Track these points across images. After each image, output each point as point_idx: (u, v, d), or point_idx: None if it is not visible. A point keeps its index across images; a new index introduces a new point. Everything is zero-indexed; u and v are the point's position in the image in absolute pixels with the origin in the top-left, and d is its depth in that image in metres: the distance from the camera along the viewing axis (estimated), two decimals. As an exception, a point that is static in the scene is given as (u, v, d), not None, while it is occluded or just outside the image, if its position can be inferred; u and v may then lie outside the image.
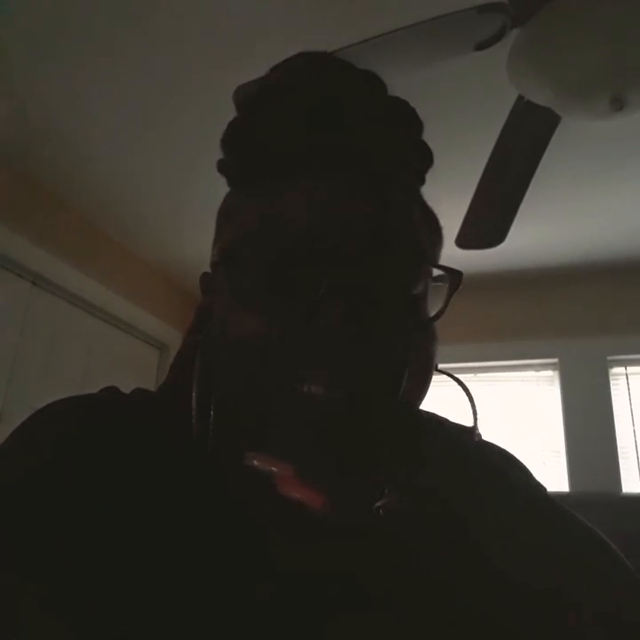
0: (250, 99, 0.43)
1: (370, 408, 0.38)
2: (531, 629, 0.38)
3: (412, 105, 0.44)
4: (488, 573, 0.38)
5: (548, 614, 0.38)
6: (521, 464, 0.50)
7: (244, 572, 0.37)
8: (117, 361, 2.47)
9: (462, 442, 0.45)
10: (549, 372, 2.68)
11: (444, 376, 0.48)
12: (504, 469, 0.47)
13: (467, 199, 1.53)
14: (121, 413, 0.44)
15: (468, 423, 0.46)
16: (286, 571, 0.37)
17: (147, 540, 0.37)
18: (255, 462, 0.37)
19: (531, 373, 2.72)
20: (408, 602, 0.37)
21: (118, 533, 0.37)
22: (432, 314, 0.42)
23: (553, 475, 2.48)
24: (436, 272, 0.41)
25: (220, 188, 0.47)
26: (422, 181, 0.46)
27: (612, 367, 2.57)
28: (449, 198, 1.75)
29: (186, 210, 2.21)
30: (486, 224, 1.57)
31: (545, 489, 0.48)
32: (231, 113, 0.45)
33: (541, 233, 2.33)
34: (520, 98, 1.21)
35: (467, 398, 0.44)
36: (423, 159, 0.44)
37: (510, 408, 2.64)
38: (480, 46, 1.09)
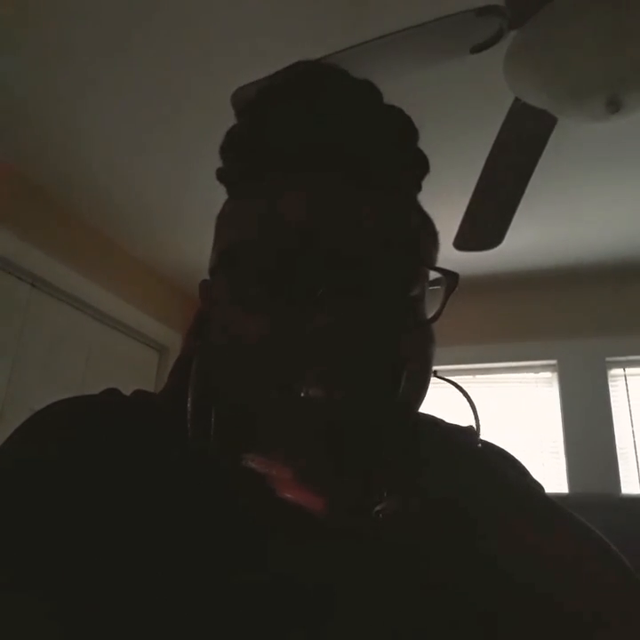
0: (248, 106, 0.44)
1: (368, 410, 0.38)
2: (530, 630, 0.38)
3: (407, 113, 0.44)
4: (486, 574, 0.39)
5: (547, 615, 0.38)
6: (519, 464, 0.51)
7: (243, 573, 0.37)
8: (117, 363, 2.47)
9: (460, 443, 0.46)
10: (548, 374, 2.68)
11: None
12: (502, 470, 0.47)
13: (465, 201, 1.54)
14: (121, 415, 0.44)
15: (466, 424, 0.46)
16: (285, 572, 0.38)
17: (145, 540, 0.37)
18: (253, 464, 0.38)
19: (530, 375, 2.72)
20: (407, 603, 0.38)
21: (117, 533, 0.37)
22: (429, 316, 0.42)
23: (552, 476, 2.48)
24: (432, 275, 0.42)
25: (220, 192, 0.48)
26: (419, 188, 0.46)
27: (610, 368, 2.57)
28: (447, 200, 1.75)
29: (186, 212, 2.22)
30: (484, 226, 1.57)
31: (543, 489, 0.49)
32: (232, 117, 0.45)
33: (539, 234, 2.33)
34: (517, 100, 1.21)
35: (467, 402, 0.45)
36: (419, 167, 0.45)
37: (509, 409, 2.64)
38: (477, 49, 1.09)
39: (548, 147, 1.34)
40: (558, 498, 0.47)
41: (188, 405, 0.40)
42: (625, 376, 2.57)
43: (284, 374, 0.37)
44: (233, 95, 1.08)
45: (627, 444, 2.45)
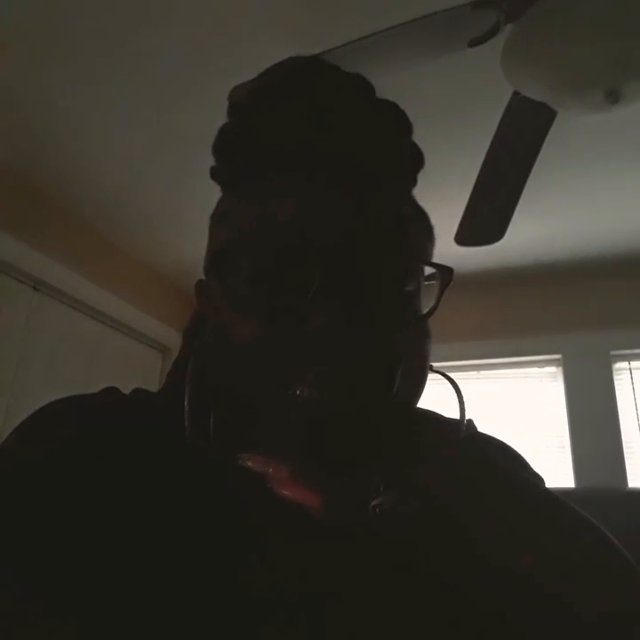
0: (239, 103, 0.44)
1: (364, 407, 0.38)
2: (531, 626, 0.37)
3: (401, 107, 0.44)
4: (487, 570, 0.38)
5: (548, 610, 0.38)
6: (520, 457, 0.50)
7: (242, 573, 0.37)
8: (120, 364, 2.47)
9: (459, 437, 0.45)
10: (553, 368, 2.68)
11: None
12: (502, 463, 0.47)
13: (465, 196, 1.53)
14: (120, 414, 0.44)
15: (465, 419, 0.46)
16: (285, 571, 0.37)
17: (144, 540, 0.37)
18: (250, 463, 0.38)
19: (534, 370, 2.71)
20: (406, 601, 0.37)
21: (115, 533, 0.37)
22: (425, 311, 0.42)
23: (558, 470, 2.47)
24: (428, 270, 0.42)
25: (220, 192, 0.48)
26: (414, 182, 0.46)
27: (615, 362, 2.56)
28: (448, 195, 1.75)
29: (186, 212, 2.22)
30: (485, 221, 1.56)
31: (543, 482, 0.48)
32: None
33: (541, 228, 2.32)
34: (516, 93, 1.20)
35: (455, 395, 0.44)
36: (414, 161, 0.45)
37: (514, 405, 2.64)
38: (474, 43, 1.08)
39: (548, 140, 1.33)
40: (564, 492, 0.46)
41: (185, 405, 0.40)
42: (630, 369, 2.56)
43: (280, 374, 0.37)
44: (230, 93, 1.08)
45: (632, 437, 2.44)
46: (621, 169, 1.96)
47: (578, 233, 2.37)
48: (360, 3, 1.34)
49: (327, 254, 0.37)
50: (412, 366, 0.40)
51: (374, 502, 0.36)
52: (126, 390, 0.48)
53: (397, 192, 0.43)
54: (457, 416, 0.46)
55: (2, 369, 1.98)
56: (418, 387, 0.42)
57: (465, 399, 0.44)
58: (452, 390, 0.45)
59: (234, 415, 0.40)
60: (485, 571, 0.38)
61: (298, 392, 0.37)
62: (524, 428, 2.56)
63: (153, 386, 0.50)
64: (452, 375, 0.45)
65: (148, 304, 2.63)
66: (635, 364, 2.56)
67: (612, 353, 2.55)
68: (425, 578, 0.38)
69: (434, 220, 0.47)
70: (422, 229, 0.44)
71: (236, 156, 0.43)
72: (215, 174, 0.46)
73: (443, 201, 1.62)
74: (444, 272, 0.41)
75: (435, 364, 0.44)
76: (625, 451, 2.40)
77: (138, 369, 2.59)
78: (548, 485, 0.48)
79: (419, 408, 0.46)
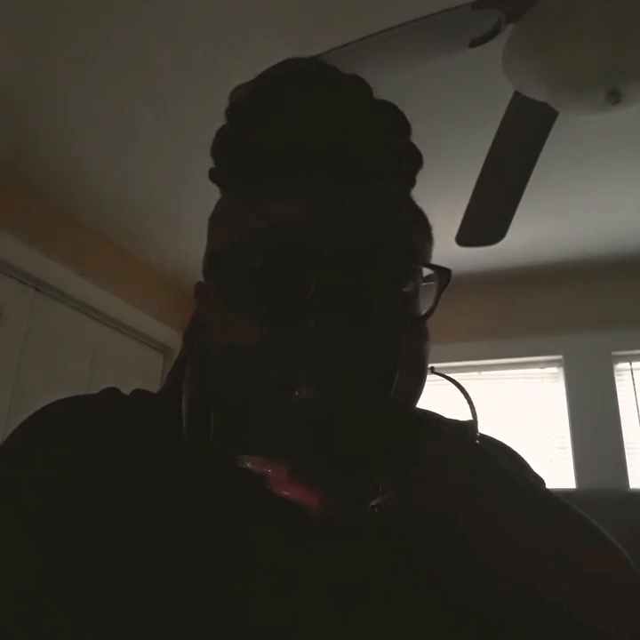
0: (237, 105, 0.44)
1: (363, 408, 0.38)
2: (530, 628, 0.37)
3: (400, 107, 0.44)
4: (486, 571, 0.38)
5: (547, 612, 0.38)
6: (520, 458, 0.50)
7: (242, 572, 0.37)
8: (122, 365, 2.47)
9: (459, 438, 0.45)
10: (554, 369, 2.67)
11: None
12: (502, 464, 0.47)
13: (466, 196, 1.53)
14: (121, 414, 0.44)
15: (466, 419, 0.46)
16: (285, 571, 0.37)
17: (144, 540, 0.37)
18: (249, 464, 0.38)
19: (535, 370, 2.71)
20: (406, 601, 0.37)
21: (116, 533, 0.37)
22: (423, 312, 0.42)
23: (559, 471, 2.47)
24: (426, 271, 0.42)
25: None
26: (412, 183, 0.46)
27: (616, 363, 2.55)
28: (449, 196, 1.75)
29: (189, 214, 2.22)
30: (486, 221, 1.56)
31: (544, 483, 0.48)
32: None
33: (543, 229, 2.32)
34: (517, 93, 1.20)
35: (463, 397, 0.44)
36: (412, 161, 0.45)
37: (515, 405, 2.63)
38: (475, 43, 1.08)
39: (550, 140, 1.33)
40: (565, 493, 0.46)
41: (183, 405, 0.40)
42: (631, 370, 2.55)
43: (279, 375, 0.37)
44: (231, 94, 1.08)
45: (634, 438, 2.44)
46: (623, 169, 1.96)
47: (579, 233, 2.37)
48: (360, 3, 1.34)
49: (325, 255, 0.37)
50: (411, 367, 0.40)
51: (373, 502, 0.36)
52: (127, 391, 0.49)
53: (395, 193, 0.43)
54: (458, 417, 0.46)
55: (4, 370, 1.98)
56: (417, 387, 0.42)
57: (473, 400, 0.44)
58: (457, 392, 0.45)
59: (233, 416, 0.40)
60: (485, 572, 0.38)
61: (297, 393, 0.37)
62: (525, 429, 2.55)
63: (154, 387, 0.50)
64: (452, 376, 0.45)
65: (149, 305, 2.63)
66: (636, 364, 2.55)
67: (614, 353, 2.55)
68: (425, 578, 0.38)
69: (435, 221, 0.47)
70: (420, 230, 0.44)
71: (233, 157, 0.44)
72: (214, 176, 0.46)
73: (444, 201, 1.62)
74: (442, 273, 0.41)
75: (436, 365, 0.44)
76: (626, 452, 2.39)
77: (139, 370, 2.59)
78: (548, 486, 0.48)
79: (419, 409, 0.46)
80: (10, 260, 1.99)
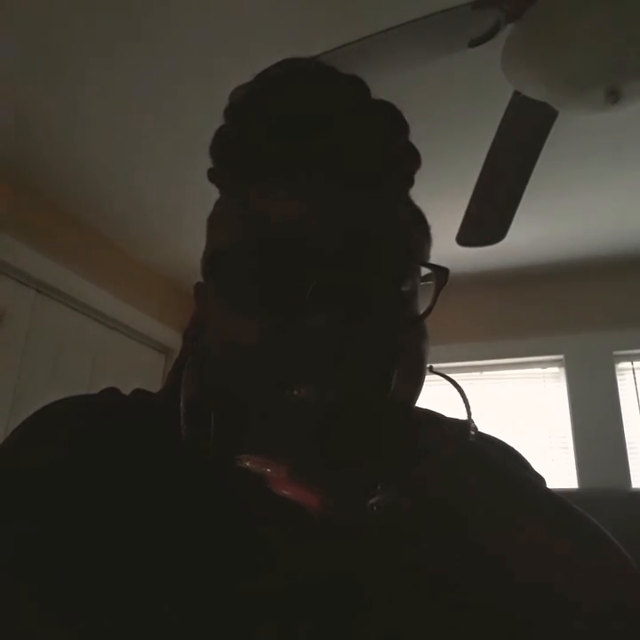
0: (235, 105, 0.44)
1: (360, 408, 0.38)
2: (532, 624, 0.37)
3: (399, 107, 0.44)
4: (487, 569, 0.38)
5: (548, 610, 0.38)
6: (520, 457, 0.50)
7: (244, 573, 0.37)
8: (123, 366, 2.47)
9: (459, 437, 0.45)
10: (555, 369, 2.67)
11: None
12: (502, 463, 0.47)
13: (467, 196, 1.53)
14: (120, 414, 0.44)
15: (472, 418, 0.46)
16: (286, 571, 0.37)
17: (144, 540, 0.37)
18: (249, 464, 0.38)
19: (537, 370, 2.71)
20: (407, 600, 0.37)
21: (116, 534, 0.37)
22: (422, 311, 0.42)
23: (561, 471, 2.47)
24: (424, 271, 0.42)
25: (222, 193, 0.48)
26: (411, 182, 0.46)
27: (618, 362, 2.55)
28: (448, 196, 1.75)
29: (189, 214, 2.22)
30: (487, 221, 1.56)
31: (544, 482, 0.48)
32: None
33: (543, 229, 2.32)
34: (516, 93, 1.20)
35: (459, 395, 0.44)
36: (410, 161, 0.45)
37: (517, 405, 2.63)
38: (475, 43, 1.08)
39: (550, 140, 1.33)
40: (567, 493, 0.46)
41: (182, 405, 0.40)
42: (633, 369, 2.55)
43: (278, 375, 0.37)
44: (230, 94, 1.08)
45: (636, 437, 2.44)
46: (624, 169, 1.96)
47: (580, 233, 2.37)
48: (359, 3, 1.34)
49: (323, 255, 0.38)
50: (410, 366, 0.40)
51: (372, 501, 0.36)
52: (128, 392, 0.49)
53: (393, 192, 0.43)
54: (459, 416, 0.46)
55: (5, 370, 1.99)
56: (415, 386, 0.42)
57: (469, 399, 0.44)
58: (455, 391, 0.45)
59: (232, 416, 0.40)
60: (486, 570, 0.38)
61: (296, 392, 0.37)
62: (526, 429, 2.55)
63: (155, 387, 0.50)
64: (454, 376, 0.45)
65: (149, 306, 2.64)
66: (638, 364, 2.55)
67: (615, 353, 2.55)
68: (425, 577, 0.38)
69: (435, 221, 0.47)
70: (419, 230, 0.44)
71: (232, 158, 0.44)
72: (212, 176, 0.46)
73: (444, 201, 1.62)
74: (440, 272, 0.41)
75: (437, 365, 0.44)
76: (628, 451, 2.39)
77: (140, 370, 2.59)
78: (549, 486, 0.48)
79: (419, 408, 0.46)
80: (11, 261, 1.99)
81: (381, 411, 0.39)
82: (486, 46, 1.10)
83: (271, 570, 0.37)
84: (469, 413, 0.44)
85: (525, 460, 0.50)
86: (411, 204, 0.45)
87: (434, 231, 0.46)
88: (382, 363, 0.38)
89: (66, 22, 1.43)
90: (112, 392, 0.48)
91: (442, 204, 1.44)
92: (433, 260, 0.45)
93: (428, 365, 0.42)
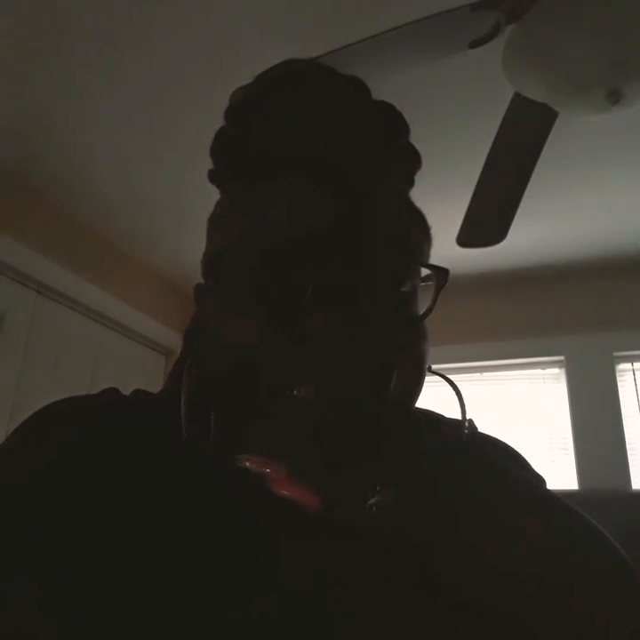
0: (236, 106, 0.44)
1: (361, 408, 0.38)
2: (531, 626, 0.37)
3: (400, 108, 0.44)
4: (486, 569, 0.38)
5: (546, 610, 0.38)
6: (521, 458, 0.50)
7: (244, 573, 0.37)
8: (124, 367, 2.47)
9: (459, 437, 0.45)
10: (556, 370, 2.67)
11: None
12: (502, 463, 0.47)
13: (467, 197, 1.53)
14: (121, 414, 0.45)
15: (466, 418, 0.46)
16: (286, 571, 0.37)
17: (144, 540, 0.37)
18: (248, 464, 0.38)
19: (537, 371, 2.71)
20: (407, 599, 0.37)
21: (116, 533, 0.37)
22: (422, 312, 0.42)
23: (562, 472, 2.47)
24: (424, 272, 0.42)
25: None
26: (411, 183, 0.46)
27: (618, 363, 2.55)
28: (449, 197, 1.75)
29: (189, 215, 2.22)
30: (487, 222, 1.56)
31: (545, 482, 0.48)
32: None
33: (544, 230, 2.32)
34: (517, 94, 1.20)
35: (455, 395, 0.44)
36: (410, 161, 0.45)
37: (517, 406, 2.63)
38: (475, 44, 1.08)
39: (550, 141, 1.33)
40: (567, 494, 0.46)
41: (182, 405, 0.40)
42: (633, 370, 2.55)
43: (277, 375, 0.37)
44: (231, 95, 1.08)
45: (636, 439, 2.43)
46: (624, 170, 1.96)
47: (580, 234, 2.37)
48: (360, 4, 1.34)
49: (323, 256, 0.38)
50: (409, 366, 0.40)
51: (372, 501, 0.36)
52: (128, 392, 0.49)
53: (394, 193, 0.43)
54: (458, 416, 0.46)
55: (6, 372, 1.99)
56: (415, 387, 0.42)
57: (465, 399, 0.44)
58: (452, 391, 0.45)
59: (232, 416, 0.40)
60: (485, 570, 0.38)
61: (295, 392, 0.37)
62: (527, 430, 2.55)
63: (156, 388, 0.50)
64: (454, 377, 0.45)
65: (150, 307, 2.64)
66: (638, 365, 2.55)
67: (615, 354, 2.54)
68: (424, 577, 0.38)
69: (435, 222, 0.47)
70: (419, 230, 0.45)
71: (232, 158, 0.44)
72: (212, 177, 0.46)
73: (444, 202, 1.62)
74: (440, 273, 0.41)
75: (437, 366, 0.44)
76: (628, 452, 2.39)
77: (141, 371, 2.59)
78: (550, 487, 0.48)
79: (419, 408, 0.46)
80: (12, 263, 1.99)
81: (381, 411, 0.39)
82: (487, 47, 1.10)
83: (271, 570, 0.37)
84: (464, 414, 0.44)
85: (525, 461, 0.50)
86: (411, 204, 0.45)
87: (434, 232, 0.46)
88: (382, 363, 0.38)
89: (66, 22, 1.43)
90: (112, 392, 0.48)
91: (442, 205, 1.44)
92: (433, 260, 0.45)
93: (427, 366, 0.42)
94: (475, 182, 1.47)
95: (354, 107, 0.42)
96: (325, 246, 0.38)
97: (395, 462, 0.39)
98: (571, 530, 0.42)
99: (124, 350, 2.56)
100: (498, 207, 1.51)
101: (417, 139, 0.46)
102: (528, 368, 2.71)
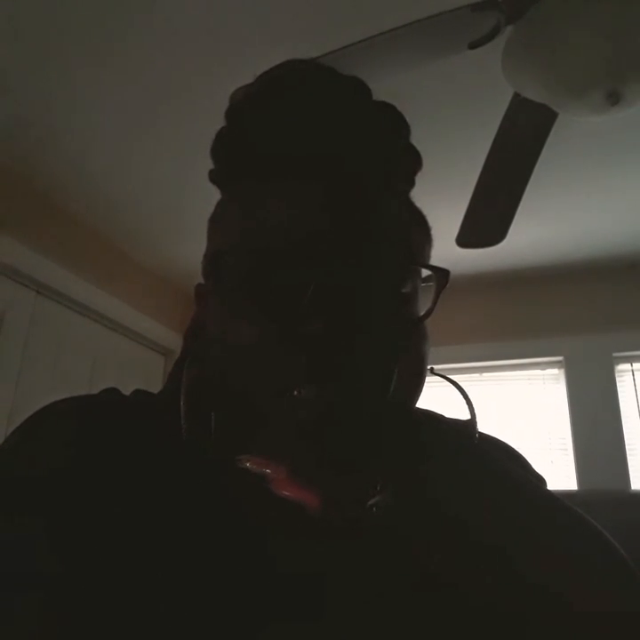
0: (236, 106, 0.44)
1: (361, 408, 0.38)
2: (529, 625, 0.37)
3: (398, 108, 0.44)
4: (486, 569, 0.38)
5: (546, 610, 0.38)
6: (521, 458, 0.50)
7: (244, 573, 0.37)
8: (123, 367, 2.47)
9: (460, 437, 0.45)
10: (555, 370, 2.67)
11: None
12: (502, 463, 0.47)
13: (467, 197, 1.53)
14: (121, 414, 0.45)
15: (466, 418, 0.46)
16: (285, 571, 0.37)
17: (144, 539, 0.37)
18: (249, 465, 0.38)
19: (536, 372, 2.71)
20: (406, 598, 0.37)
21: (116, 533, 0.37)
22: (422, 313, 0.42)
23: (561, 473, 2.47)
24: (425, 272, 0.42)
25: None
26: (411, 184, 0.46)
27: (617, 364, 2.55)
28: (448, 197, 1.75)
29: (190, 215, 2.22)
30: (486, 222, 1.56)
31: (545, 482, 0.48)
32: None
33: (543, 230, 2.32)
34: (516, 94, 1.20)
35: (462, 397, 0.44)
36: (411, 162, 0.45)
37: (517, 407, 2.63)
38: (475, 44, 1.09)
39: (550, 141, 1.33)
40: (567, 494, 0.46)
41: (182, 405, 0.40)
42: (632, 371, 2.55)
43: (278, 376, 0.38)
44: (232, 95, 1.08)
45: (635, 439, 2.43)
46: (623, 170, 1.96)
47: (580, 234, 2.37)
48: (360, 5, 1.34)
49: (323, 256, 0.38)
50: (410, 367, 0.40)
51: (372, 501, 0.36)
52: (128, 393, 0.49)
53: (394, 194, 0.43)
54: (459, 417, 0.46)
55: (6, 372, 1.99)
56: (416, 388, 0.42)
57: (471, 399, 0.44)
58: (457, 393, 0.45)
59: (232, 416, 0.40)
60: (485, 570, 0.38)
61: (296, 393, 0.37)
62: (526, 431, 2.55)
63: (156, 389, 0.50)
64: (454, 377, 0.45)
65: (150, 307, 2.64)
66: (637, 365, 2.55)
67: (615, 355, 2.55)
68: (426, 576, 0.38)
69: (435, 222, 0.47)
70: (419, 231, 0.45)
71: (232, 159, 0.44)
72: (213, 177, 0.46)
73: (444, 202, 1.62)
74: (441, 274, 0.41)
75: (437, 366, 0.44)
76: (628, 453, 2.39)
77: (140, 372, 2.59)
78: (549, 487, 0.48)
79: (419, 409, 0.46)
80: (11, 262, 1.99)
81: (381, 411, 0.39)
82: (486, 48, 1.10)
83: (270, 568, 0.37)
84: (473, 414, 0.44)
85: (526, 461, 0.50)
86: (411, 204, 0.45)
87: (434, 232, 0.46)
88: (383, 364, 0.39)
89: (66, 22, 1.43)
90: (112, 392, 0.48)
91: (442, 206, 1.44)
92: (433, 261, 0.45)
93: (428, 367, 0.42)
94: (474, 182, 1.47)
95: (354, 107, 0.42)
96: (326, 247, 0.38)
97: (395, 462, 0.39)
98: (571, 529, 0.42)
99: (124, 350, 2.56)
100: (498, 207, 1.51)
101: (417, 139, 0.46)
102: (527, 368, 2.71)
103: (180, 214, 2.24)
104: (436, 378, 0.46)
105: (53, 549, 0.36)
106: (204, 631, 0.35)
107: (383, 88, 0.48)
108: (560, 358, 2.63)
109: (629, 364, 2.55)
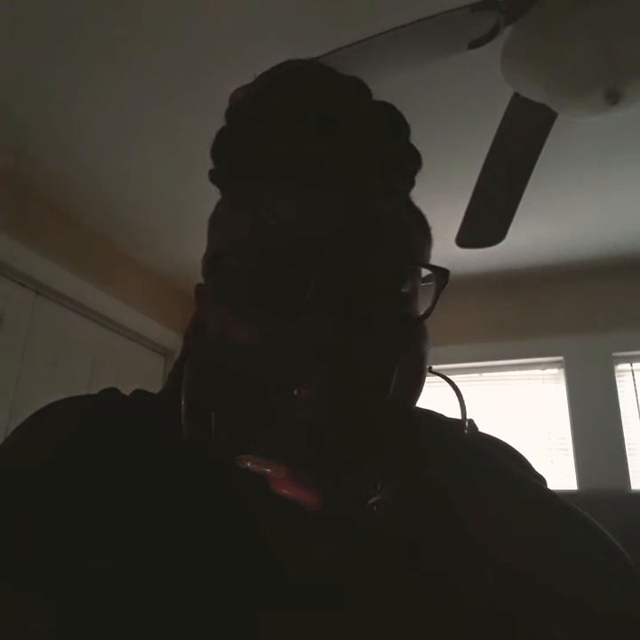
0: (236, 106, 0.44)
1: (361, 408, 0.38)
2: (531, 625, 0.37)
3: (399, 108, 0.44)
4: (488, 569, 0.38)
5: (547, 610, 0.38)
6: (522, 457, 0.50)
7: (244, 573, 0.37)
8: (123, 368, 2.47)
9: (460, 436, 0.45)
10: (555, 370, 2.67)
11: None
12: (503, 463, 0.47)
13: (466, 198, 1.53)
14: (121, 414, 0.45)
15: (467, 418, 0.46)
16: (286, 570, 0.37)
17: (144, 539, 0.37)
18: (249, 464, 0.38)
19: (536, 371, 2.71)
20: (407, 597, 0.37)
21: (116, 533, 0.37)
22: (422, 312, 0.42)
23: (561, 472, 2.47)
24: (424, 272, 0.42)
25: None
26: (411, 184, 0.46)
27: (617, 364, 2.55)
28: (448, 197, 1.75)
29: (189, 215, 2.22)
30: (486, 222, 1.56)
31: (545, 482, 0.48)
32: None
33: (543, 230, 2.32)
34: (516, 95, 1.20)
35: (455, 395, 0.45)
36: (411, 162, 0.45)
37: (516, 407, 2.64)
38: (474, 44, 1.09)
39: (549, 141, 1.33)
40: (567, 494, 0.46)
41: (182, 405, 0.40)
42: (632, 371, 2.55)
43: (278, 376, 0.38)
44: (232, 95, 1.08)
45: (635, 439, 2.44)
46: (623, 170, 1.96)
47: (580, 234, 2.37)
48: (360, 5, 1.34)
49: (323, 256, 0.38)
50: (410, 367, 0.40)
51: (372, 500, 0.36)
52: (128, 393, 0.49)
53: (394, 194, 0.43)
54: (458, 416, 0.46)
55: (5, 372, 1.99)
56: (416, 387, 0.42)
57: (465, 399, 0.44)
58: (453, 391, 0.45)
59: (232, 416, 0.40)
60: (485, 570, 0.38)
61: (296, 392, 0.37)
62: (526, 430, 2.55)
63: (155, 389, 0.50)
64: (454, 377, 0.46)
65: (149, 307, 2.64)
66: (637, 365, 2.55)
67: (614, 354, 2.55)
68: (425, 577, 0.38)
69: (434, 222, 0.47)
70: (419, 231, 0.45)
71: (232, 158, 0.44)
72: (213, 177, 0.46)
73: (443, 202, 1.62)
74: (440, 274, 0.41)
75: (437, 366, 0.44)
76: (627, 452, 2.39)
77: (140, 372, 2.59)
78: (550, 486, 0.48)
79: (419, 408, 0.46)
80: (10, 262, 1.99)
81: (381, 411, 0.39)
82: (486, 48, 1.10)
83: (270, 567, 0.37)
84: (464, 414, 0.44)
85: (526, 461, 0.50)
86: (411, 204, 0.45)
87: (434, 232, 0.47)
88: (382, 364, 0.39)
89: (67, 22, 1.43)
90: (112, 392, 0.48)
91: (442, 205, 1.44)
92: (433, 261, 0.45)
93: (428, 366, 0.42)
94: (474, 182, 1.47)
95: (354, 107, 0.42)
96: (326, 246, 0.38)
97: (395, 462, 0.39)
98: (571, 529, 0.42)
99: (124, 351, 2.56)
100: (497, 207, 1.51)
101: (416, 139, 0.46)
102: (527, 368, 2.72)
103: (180, 214, 2.24)
104: (436, 378, 0.46)
105: (49, 550, 0.36)
106: (204, 631, 0.35)
107: (383, 88, 0.48)
108: (560, 358, 2.63)
109: (629, 364, 2.56)
